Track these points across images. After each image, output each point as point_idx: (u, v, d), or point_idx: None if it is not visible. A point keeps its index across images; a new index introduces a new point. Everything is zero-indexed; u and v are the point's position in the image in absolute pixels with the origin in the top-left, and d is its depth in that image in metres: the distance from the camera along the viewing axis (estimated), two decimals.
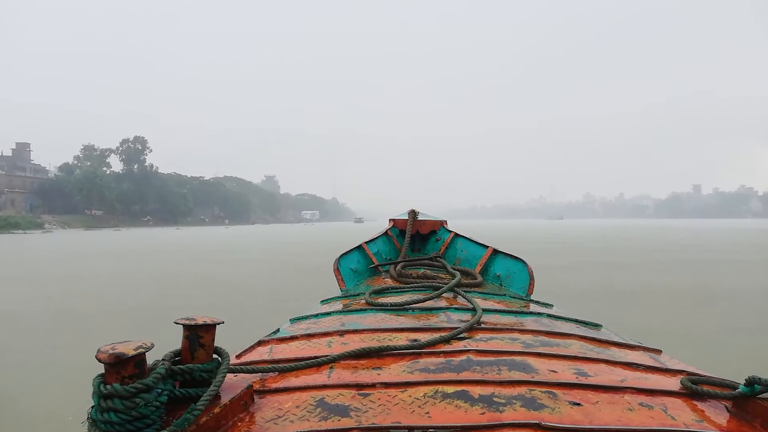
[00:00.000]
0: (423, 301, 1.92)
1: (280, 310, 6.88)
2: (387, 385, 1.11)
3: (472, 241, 3.19)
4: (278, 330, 1.71)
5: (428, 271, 2.76)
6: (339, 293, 2.49)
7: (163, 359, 0.97)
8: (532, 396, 1.04)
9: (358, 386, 1.11)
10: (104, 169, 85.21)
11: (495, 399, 1.03)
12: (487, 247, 2.96)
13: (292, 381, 1.17)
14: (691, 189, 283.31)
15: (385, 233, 3.58)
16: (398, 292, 2.25)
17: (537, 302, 2.16)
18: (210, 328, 1.02)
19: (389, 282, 2.54)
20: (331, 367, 1.24)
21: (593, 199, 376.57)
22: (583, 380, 1.13)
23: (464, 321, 1.65)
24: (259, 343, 1.53)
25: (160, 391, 0.90)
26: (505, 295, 2.28)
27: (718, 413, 1.02)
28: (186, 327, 1.00)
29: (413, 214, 3.60)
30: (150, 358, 0.92)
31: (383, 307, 1.88)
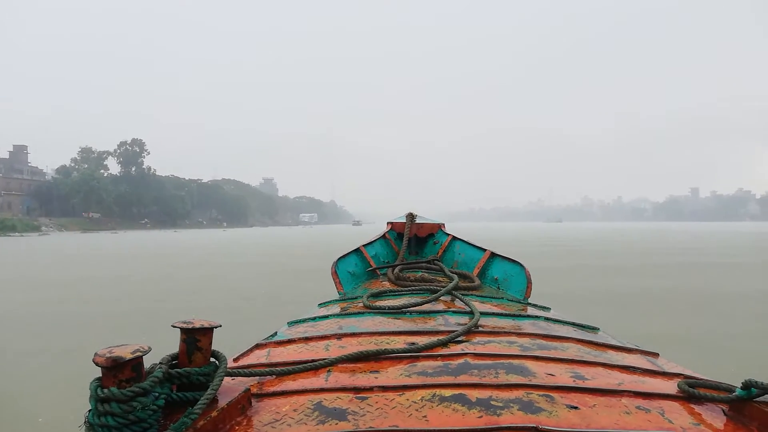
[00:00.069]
0: (421, 305, 1.92)
1: (278, 313, 6.86)
2: (385, 388, 1.11)
3: (469, 244, 3.20)
4: (276, 333, 1.71)
5: (426, 275, 2.76)
6: (337, 296, 2.49)
7: (160, 363, 0.97)
8: (529, 399, 1.04)
9: (356, 390, 1.11)
10: (102, 171, 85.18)
11: (492, 402, 1.03)
12: (485, 250, 2.96)
13: (290, 384, 1.17)
14: (689, 192, 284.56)
15: (383, 236, 3.59)
16: (396, 295, 2.25)
17: (534, 305, 2.17)
18: (207, 331, 1.02)
19: (387, 285, 2.54)
20: (328, 371, 1.24)
21: (591, 202, 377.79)
22: (580, 383, 1.13)
23: (462, 324, 1.64)
24: (257, 347, 1.53)
25: (157, 394, 0.90)
26: (502, 298, 2.28)
27: (715, 416, 1.02)
28: (183, 330, 1.00)
29: (411, 217, 3.61)
30: (147, 362, 0.92)
31: (381, 311, 1.88)
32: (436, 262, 3.03)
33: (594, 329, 1.75)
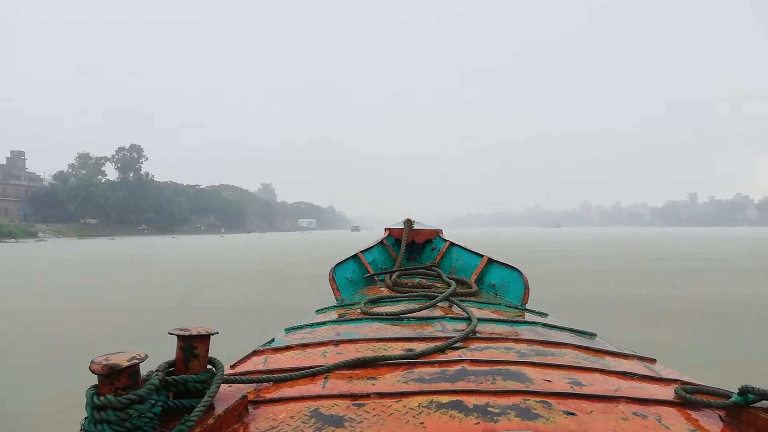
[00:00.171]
0: (418, 311, 1.92)
1: (275, 319, 6.84)
2: (382, 395, 1.11)
3: (467, 250, 3.20)
4: (273, 340, 1.70)
5: (423, 281, 2.76)
6: (334, 302, 2.48)
7: (156, 370, 0.96)
8: (526, 406, 1.04)
9: (353, 396, 1.11)
10: (99, 177, 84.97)
11: (489, 409, 1.03)
12: (483, 256, 2.97)
13: (287, 391, 1.17)
14: (688, 197, 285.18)
15: (381, 242, 3.59)
16: (393, 301, 2.25)
17: (532, 311, 2.17)
18: (204, 338, 1.01)
19: (385, 291, 2.54)
20: (325, 377, 1.24)
21: (590, 207, 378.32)
22: (577, 390, 1.13)
23: (459, 330, 1.65)
24: (254, 353, 1.53)
25: (153, 402, 0.90)
26: (500, 304, 2.28)
27: (712, 422, 1.02)
28: (180, 337, 1.00)
29: (409, 223, 3.62)
30: (144, 369, 0.92)
31: (378, 317, 1.88)
32: (433, 268, 3.03)
33: (591, 335, 1.75)
